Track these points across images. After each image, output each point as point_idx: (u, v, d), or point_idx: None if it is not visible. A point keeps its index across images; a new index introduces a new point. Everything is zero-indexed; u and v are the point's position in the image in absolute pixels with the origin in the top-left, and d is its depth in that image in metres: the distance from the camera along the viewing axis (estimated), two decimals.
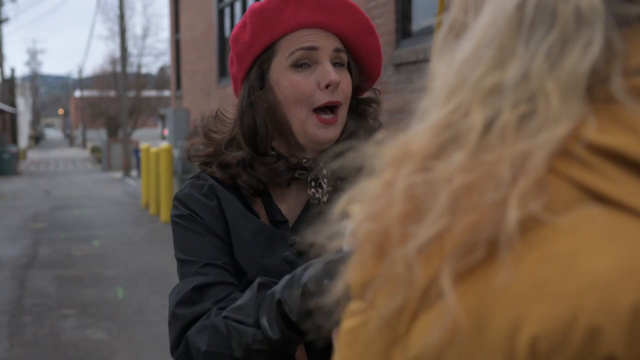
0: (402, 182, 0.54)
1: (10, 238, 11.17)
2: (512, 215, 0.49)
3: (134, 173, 24.45)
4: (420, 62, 5.98)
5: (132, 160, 24.92)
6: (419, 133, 0.56)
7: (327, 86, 1.38)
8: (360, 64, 1.49)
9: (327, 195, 1.43)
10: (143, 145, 14.70)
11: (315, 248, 0.61)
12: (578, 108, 0.51)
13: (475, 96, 0.53)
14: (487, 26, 0.55)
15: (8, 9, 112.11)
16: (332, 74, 1.38)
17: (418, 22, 6.43)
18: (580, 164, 0.50)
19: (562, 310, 0.46)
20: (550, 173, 0.50)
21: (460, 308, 0.49)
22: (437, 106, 0.56)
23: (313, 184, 1.43)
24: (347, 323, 0.58)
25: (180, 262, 1.44)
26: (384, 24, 6.65)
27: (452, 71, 0.56)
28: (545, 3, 0.53)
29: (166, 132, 16.79)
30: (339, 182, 1.42)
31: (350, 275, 0.58)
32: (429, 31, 5.95)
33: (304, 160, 1.43)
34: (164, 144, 13.42)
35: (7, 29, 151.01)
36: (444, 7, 3.08)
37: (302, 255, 1.38)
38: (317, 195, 1.43)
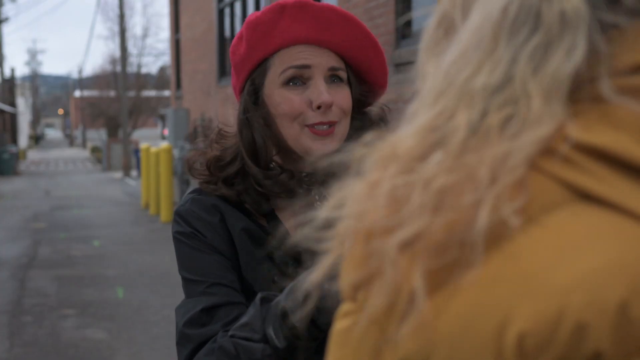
0: (386, 184, 0.54)
1: (10, 238, 11.17)
2: (482, 218, 0.49)
3: (134, 173, 24.45)
4: None
5: (132, 160, 24.92)
6: (406, 135, 0.56)
7: (318, 107, 1.34)
8: (363, 77, 1.44)
9: None
10: (143, 145, 14.70)
11: (305, 251, 0.61)
12: (561, 109, 0.52)
13: (460, 99, 0.54)
14: (474, 30, 0.55)
15: (8, 9, 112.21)
16: (323, 94, 1.34)
17: (418, 22, 6.43)
18: (565, 163, 0.50)
19: (548, 307, 0.47)
20: (535, 172, 0.51)
21: (429, 309, 0.50)
22: (424, 109, 0.57)
23: (318, 198, 1.40)
24: (339, 324, 0.58)
25: (186, 280, 1.40)
26: (384, 23, 6.65)
27: (440, 74, 0.57)
28: (528, 5, 0.53)
29: (166, 132, 16.79)
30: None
31: (342, 277, 0.58)
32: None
33: (304, 174, 1.40)
34: (164, 144, 13.42)
35: (7, 29, 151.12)
36: None
37: (284, 266, 1.37)
38: None
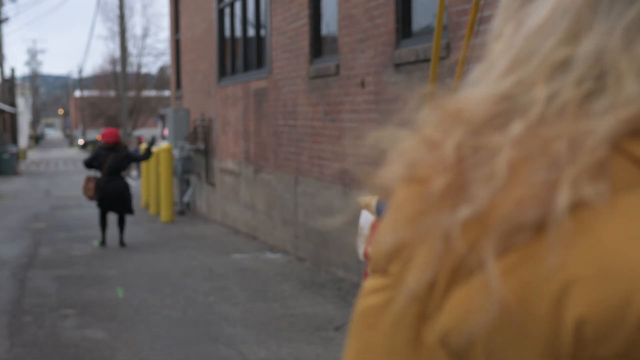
0: (451, 145, 0.50)
1: (10, 238, 11.16)
2: (563, 198, 0.45)
3: (134, 173, 24.43)
4: (420, 62, 5.97)
5: None
6: (474, 99, 0.52)
7: None
8: None
9: None
10: (143, 145, 14.69)
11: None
12: None
13: (541, 70, 0.50)
14: None
15: (8, 9, 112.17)
16: None
17: (418, 22, 6.42)
18: None
19: (614, 293, 0.43)
20: (616, 153, 0.47)
21: (505, 289, 0.46)
22: (497, 75, 0.52)
23: None
24: (367, 301, 0.53)
25: None
26: (384, 24, 6.65)
27: (520, 39, 0.52)
28: None
29: (166, 132, 16.78)
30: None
31: (375, 246, 0.53)
32: (428, 31, 5.94)
33: None
34: (164, 144, 13.40)
35: (7, 29, 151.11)
36: (444, 7, 3.08)
37: None
38: None
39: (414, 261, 0.49)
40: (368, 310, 0.53)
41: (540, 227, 0.46)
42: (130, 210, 10.11)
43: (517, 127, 0.48)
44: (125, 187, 10.03)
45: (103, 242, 10.15)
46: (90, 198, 10.15)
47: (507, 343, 0.46)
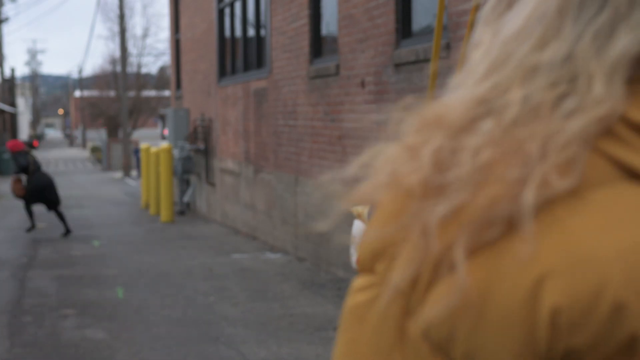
0: (429, 150, 0.52)
1: (10, 238, 11.16)
2: (529, 194, 0.48)
3: (134, 173, 24.44)
4: (420, 62, 5.97)
5: (132, 160, 24.92)
6: (452, 105, 0.54)
7: None
8: None
9: None
10: (143, 145, 14.70)
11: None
12: (620, 90, 0.50)
13: (517, 74, 0.52)
14: (537, 3, 0.53)
15: (8, 9, 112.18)
16: None
17: (418, 22, 6.42)
18: (619, 142, 0.49)
19: (586, 282, 0.45)
20: (591, 151, 0.49)
21: (470, 281, 0.48)
22: (475, 80, 0.55)
23: None
24: (355, 298, 0.55)
25: None
26: (384, 24, 6.65)
27: (497, 45, 0.55)
28: None
29: (166, 132, 16.79)
30: None
31: (362, 246, 0.55)
32: (428, 31, 5.94)
33: None
34: (164, 144, 13.41)
35: (7, 29, 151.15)
36: (444, 7, 3.09)
37: None
38: None
39: (399, 259, 0.52)
40: (356, 306, 0.55)
41: (513, 223, 0.49)
42: (58, 199, 11.28)
43: (491, 128, 0.51)
44: (52, 178, 11.53)
45: (33, 226, 11.33)
46: (22, 195, 11.19)
47: (486, 335, 0.48)
